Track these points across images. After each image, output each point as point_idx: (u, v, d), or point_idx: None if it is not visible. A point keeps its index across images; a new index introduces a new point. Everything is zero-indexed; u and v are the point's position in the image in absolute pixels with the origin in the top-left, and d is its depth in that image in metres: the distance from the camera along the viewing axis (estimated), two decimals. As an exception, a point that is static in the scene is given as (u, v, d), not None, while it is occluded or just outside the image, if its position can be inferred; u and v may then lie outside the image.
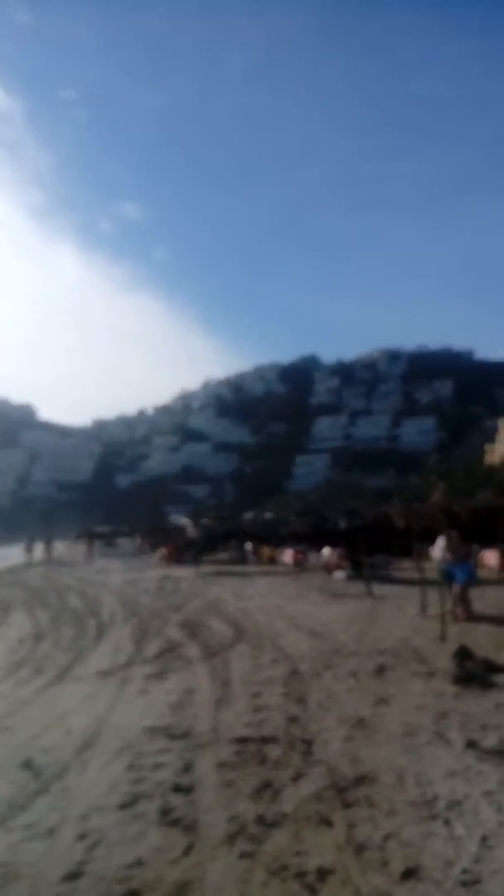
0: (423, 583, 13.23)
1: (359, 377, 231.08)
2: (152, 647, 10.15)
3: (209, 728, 5.94)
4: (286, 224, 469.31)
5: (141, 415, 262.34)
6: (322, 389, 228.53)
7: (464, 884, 3.26)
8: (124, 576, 26.22)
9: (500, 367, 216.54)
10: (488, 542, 22.78)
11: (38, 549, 38.13)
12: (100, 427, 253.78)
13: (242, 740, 5.55)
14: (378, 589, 17.59)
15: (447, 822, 3.91)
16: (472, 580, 12.64)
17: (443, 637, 9.80)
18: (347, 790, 4.42)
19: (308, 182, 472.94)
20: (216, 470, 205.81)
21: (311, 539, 33.07)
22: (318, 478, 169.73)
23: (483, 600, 14.17)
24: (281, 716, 6.23)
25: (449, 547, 12.43)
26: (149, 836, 3.93)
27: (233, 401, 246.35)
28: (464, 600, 11.98)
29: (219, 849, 3.73)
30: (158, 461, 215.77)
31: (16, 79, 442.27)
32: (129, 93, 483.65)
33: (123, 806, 4.35)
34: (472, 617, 11.81)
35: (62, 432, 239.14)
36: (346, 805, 4.19)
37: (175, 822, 4.07)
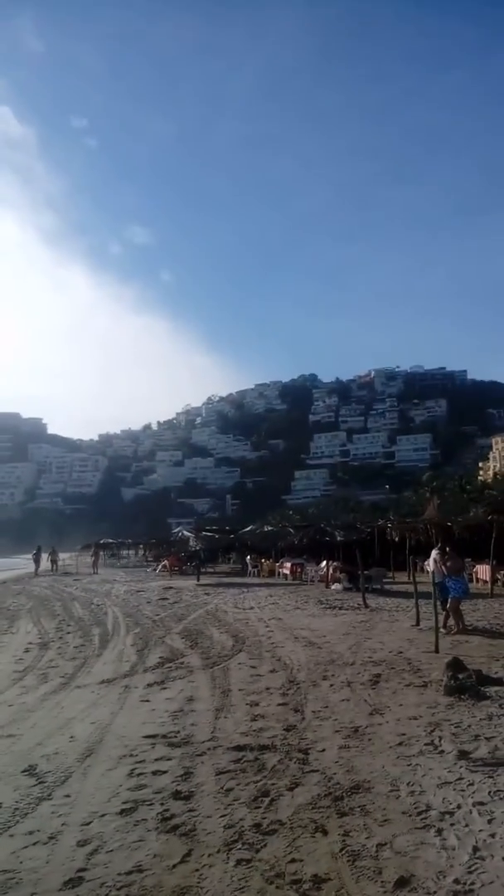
0: (418, 595, 13.35)
1: (356, 396, 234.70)
2: (154, 656, 10.26)
3: (208, 736, 6.05)
4: (287, 247, 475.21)
5: (146, 430, 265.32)
6: (321, 407, 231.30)
7: (456, 894, 3.33)
8: (128, 586, 26.31)
9: (493, 388, 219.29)
10: (480, 557, 22.94)
11: (45, 560, 38.24)
12: (106, 441, 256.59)
13: (241, 748, 5.66)
14: (374, 601, 17.70)
15: (440, 832, 3.99)
16: (465, 594, 12.76)
17: (436, 649, 9.91)
18: (342, 799, 4.51)
19: (308, 206, 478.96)
20: (218, 484, 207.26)
21: (309, 552, 33.21)
22: (316, 492, 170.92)
23: (476, 613, 14.30)
24: (278, 725, 6.34)
25: (443, 561, 12.55)
26: (148, 842, 4.02)
27: (235, 417, 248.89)
28: (457, 613, 12.09)
29: (216, 856, 3.81)
30: (162, 475, 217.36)
31: (29, 107, 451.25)
32: (137, 121, 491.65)
33: (124, 812, 4.45)
34: (465, 629, 11.94)
35: (70, 446, 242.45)
36: (341, 813, 4.29)
37: (174, 829, 4.16)
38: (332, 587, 23.34)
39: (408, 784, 4.75)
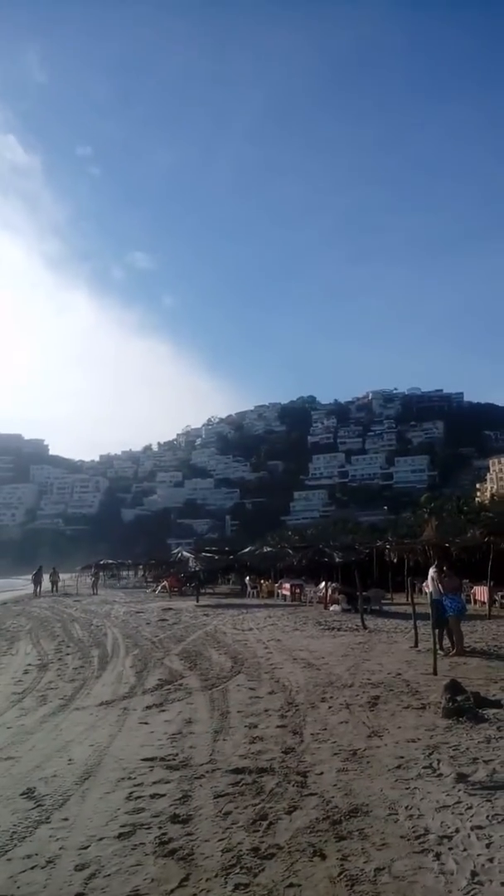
0: (416, 617, 13.35)
1: (354, 417, 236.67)
2: (153, 678, 10.24)
3: (207, 759, 6.04)
4: (287, 273, 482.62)
5: (146, 451, 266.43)
6: (319, 429, 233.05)
7: (454, 918, 3.35)
8: (127, 607, 26.24)
9: (490, 410, 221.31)
10: (478, 579, 22.93)
11: (46, 581, 38.20)
12: (107, 462, 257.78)
13: (239, 771, 5.65)
14: (372, 622, 17.67)
15: (438, 857, 3.99)
16: (462, 612, 12.77)
17: (434, 671, 9.90)
18: (341, 822, 4.51)
19: (308, 233, 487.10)
20: (217, 505, 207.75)
21: (308, 573, 33.17)
22: (315, 513, 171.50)
23: (474, 635, 14.28)
24: (277, 747, 6.33)
25: (440, 579, 12.57)
26: (146, 866, 4.01)
27: (234, 438, 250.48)
28: (455, 634, 12.08)
29: (214, 880, 3.81)
30: (162, 496, 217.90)
31: (35, 136, 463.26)
32: (141, 149, 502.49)
33: (122, 836, 4.44)
34: (464, 651, 11.92)
35: (71, 467, 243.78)
36: (340, 837, 4.28)
37: (172, 853, 4.16)
38: (331, 608, 23.29)
39: (406, 808, 4.75)
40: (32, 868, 4.06)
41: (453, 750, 6.05)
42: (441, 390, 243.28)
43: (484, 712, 7.28)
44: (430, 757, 5.88)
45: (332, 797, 4.98)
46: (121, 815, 4.82)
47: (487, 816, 4.53)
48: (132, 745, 6.56)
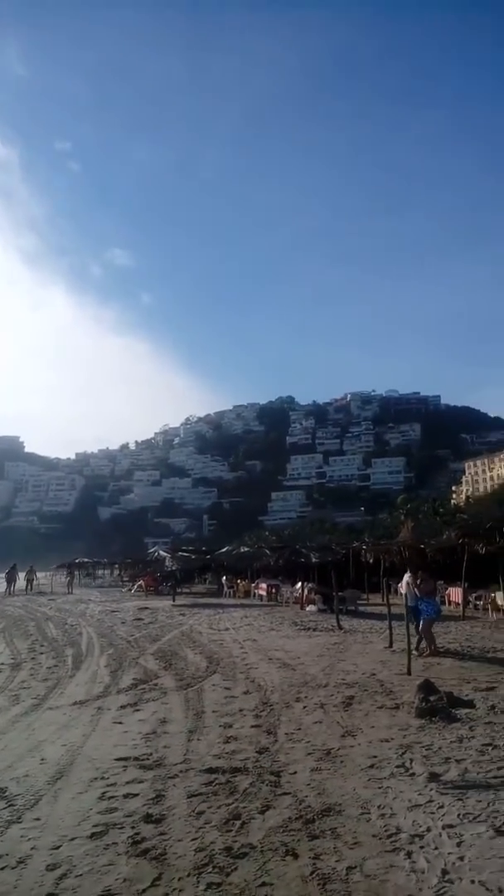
0: (391, 617, 13.44)
1: (333, 419, 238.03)
2: (128, 678, 10.20)
3: (181, 758, 6.03)
4: (266, 274, 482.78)
5: (124, 449, 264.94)
6: (298, 429, 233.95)
7: (424, 916, 3.37)
8: (103, 606, 26.09)
9: (466, 413, 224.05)
10: (453, 580, 23.15)
11: (20, 579, 37.83)
12: (83, 461, 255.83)
13: (213, 771, 5.65)
14: (347, 623, 17.76)
15: (409, 855, 4.02)
16: (437, 616, 12.88)
17: (409, 671, 9.98)
18: (313, 822, 4.53)
19: (289, 234, 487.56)
20: (195, 504, 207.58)
21: (284, 573, 33.23)
22: (292, 513, 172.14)
23: (447, 636, 14.42)
24: (251, 747, 6.34)
25: (415, 584, 12.67)
26: (118, 866, 4.00)
27: (212, 438, 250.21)
28: (429, 635, 12.19)
29: (186, 879, 3.80)
30: (139, 495, 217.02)
31: (12, 129, 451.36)
32: (121, 147, 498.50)
33: (94, 836, 4.42)
34: (437, 652, 12.02)
35: (47, 465, 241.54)
36: (312, 836, 4.30)
37: (145, 853, 4.14)
38: (307, 608, 23.36)
39: (378, 807, 4.78)
40: (3, 868, 4.02)
41: (426, 749, 6.11)
42: (418, 393, 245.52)
43: (456, 712, 7.35)
44: (403, 756, 5.92)
45: (306, 796, 5.00)
46: (93, 814, 4.79)
47: (459, 815, 4.57)
48: (106, 745, 6.52)
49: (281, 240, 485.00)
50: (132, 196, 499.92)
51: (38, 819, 4.72)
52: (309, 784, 5.28)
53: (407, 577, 13.20)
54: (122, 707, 8.19)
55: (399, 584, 14.97)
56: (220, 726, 7.17)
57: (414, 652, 11.25)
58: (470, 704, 7.77)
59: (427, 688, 7.93)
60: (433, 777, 5.31)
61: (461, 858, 3.95)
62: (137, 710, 8.01)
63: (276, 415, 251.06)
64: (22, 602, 29.33)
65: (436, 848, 4.11)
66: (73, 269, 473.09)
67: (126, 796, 5.13)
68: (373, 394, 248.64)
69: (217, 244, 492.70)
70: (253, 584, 32.56)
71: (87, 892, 3.72)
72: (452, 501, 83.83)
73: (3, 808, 4.93)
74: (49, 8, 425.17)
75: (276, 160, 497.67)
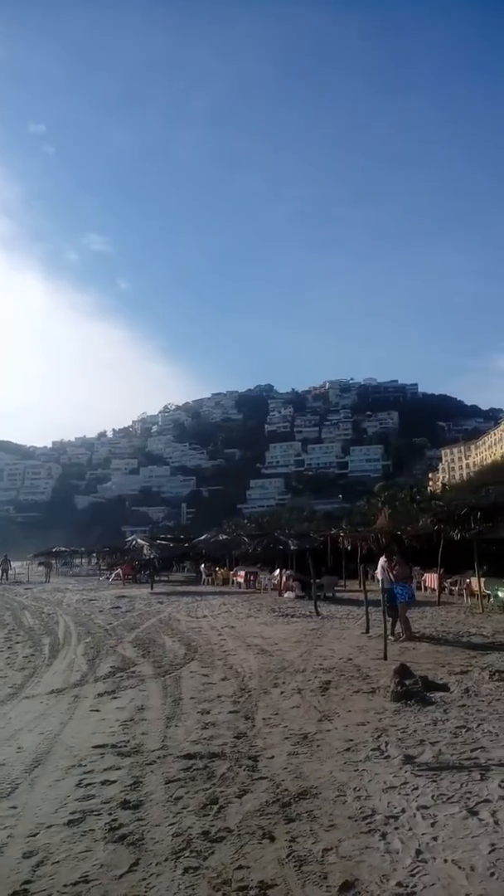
0: (368, 603, 13.57)
1: (311, 407, 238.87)
2: (105, 666, 10.19)
3: (159, 745, 6.04)
4: (246, 261, 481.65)
5: (101, 437, 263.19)
6: (276, 417, 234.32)
7: (398, 896, 3.40)
8: (80, 595, 26.02)
9: (443, 401, 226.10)
10: (429, 566, 23.40)
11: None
12: (60, 449, 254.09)
13: (191, 757, 5.67)
14: (325, 609, 17.90)
15: (384, 836, 4.07)
16: (412, 599, 13.03)
17: (385, 656, 10.09)
18: (290, 805, 4.57)
19: (269, 221, 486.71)
20: (174, 492, 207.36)
21: (263, 560, 33.36)
22: (271, 501, 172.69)
23: (423, 621, 14.61)
24: (229, 732, 6.37)
25: (390, 567, 12.79)
26: (96, 852, 4.00)
27: (191, 426, 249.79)
28: (404, 620, 12.32)
29: (164, 864, 3.81)
30: (117, 483, 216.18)
31: None
32: (98, 130, 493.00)
33: (71, 823, 4.41)
34: (413, 637, 12.17)
35: (23, 453, 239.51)
36: (289, 819, 4.33)
37: (122, 839, 4.15)
38: (285, 595, 23.49)
39: (354, 789, 4.83)
40: (-21, 857, 4.00)
41: (401, 732, 6.18)
42: (396, 381, 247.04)
43: (431, 695, 7.45)
44: (379, 739, 5.99)
45: (283, 780, 5.04)
46: (70, 802, 4.78)
47: (433, 796, 4.64)
48: (83, 733, 6.52)
49: (260, 227, 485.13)
50: (109, 181, 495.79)
51: (14, 807, 4.70)
52: (286, 768, 5.32)
53: (382, 561, 13.31)
54: (100, 695, 8.18)
55: (376, 571, 15.11)
56: (197, 712, 7.19)
57: (390, 637, 11.38)
58: (444, 688, 7.88)
59: (403, 672, 8.03)
60: (408, 759, 5.38)
61: (435, 838, 4.01)
62: (115, 698, 8.01)
63: (255, 403, 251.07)
64: (-2, 591, 29.14)
65: (410, 829, 4.16)
66: (48, 254, 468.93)
67: (103, 783, 5.13)
68: (351, 382, 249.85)
69: (195, 231, 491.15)
70: (231, 572, 32.66)
71: (64, 878, 3.71)
72: (429, 489, 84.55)
73: (-21, 797, 4.90)
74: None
75: (254, 147, 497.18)
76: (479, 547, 20.18)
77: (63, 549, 62.42)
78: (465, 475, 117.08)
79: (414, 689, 7.51)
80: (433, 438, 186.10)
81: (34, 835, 4.26)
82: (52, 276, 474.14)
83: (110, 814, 4.55)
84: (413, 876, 3.58)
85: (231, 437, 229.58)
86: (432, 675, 8.44)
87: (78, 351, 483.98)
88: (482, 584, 18.77)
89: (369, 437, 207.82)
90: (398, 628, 12.34)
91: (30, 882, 3.69)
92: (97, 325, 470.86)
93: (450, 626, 14.03)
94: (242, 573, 30.58)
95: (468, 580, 20.75)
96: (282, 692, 8.07)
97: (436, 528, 20.84)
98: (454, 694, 7.66)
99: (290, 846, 3.96)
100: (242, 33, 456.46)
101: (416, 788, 4.80)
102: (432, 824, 4.21)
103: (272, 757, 5.61)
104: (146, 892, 3.54)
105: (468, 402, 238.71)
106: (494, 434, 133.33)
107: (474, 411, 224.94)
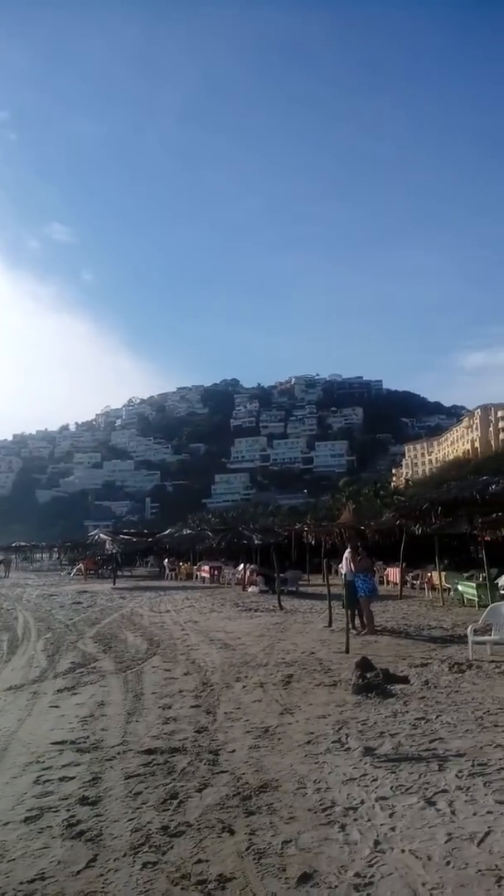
0: (331, 597, 13.67)
1: (277, 402, 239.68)
2: (65, 662, 10.08)
3: (119, 740, 5.99)
4: (214, 254, 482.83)
5: (63, 431, 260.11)
6: (242, 412, 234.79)
7: (356, 887, 3.39)
8: (41, 590, 25.74)
9: (406, 398, 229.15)
10: (391, 561, 23.69)
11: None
12: (21, 442, 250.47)
13: (151, 752, 5.63)
14: (289, 603, 17.97)
15: (343, 828, 4.08)
16: (374, 593, 13.16)
17: (347, 649, 10.17)
18: (250, 798, 4.56)
19: (237, 218, 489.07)
20: (138, 487, 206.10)
21: (227, 555, 33.38)
22: (236, 496, 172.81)
23: (385, 614, 14.77)
24: (190, 727, 6.35)
25: (353, 559, 12.90)
26: (53, 849, 3.95)
27: (156, 420, 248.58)
28: (366, 614, 12.45)
29: (122, 860, 3.78)
30: (80, 477, 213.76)
31: None
32: (63, 119, 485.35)
33: (28, 820, 4.35)
34: (375, 630, 12.29)
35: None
36: (249, 813, 4.33)
37: (80, 835, 4.10)
38: (249, 590, 23.53)
39: (314, 781, 4.85)
40: None
41: (362, 725, 6.23)
42: (361, 377, 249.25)
43: (392, 688, 7.53)
44: (340, 732, 6.03)
45: (243, 774, 5.04)
46: (28, 798, 4.72)
47: (391, 787, 4.68)
48: (42, 729, 6.43)
49: (226, 223, 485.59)
50: (74, 171, 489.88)
51: (-31, 805, 4.62)
52: (247, 762, 5.32)
53: (347, 553, 13.42)
54: (59, 691, 8.09)
55: (339, 565, 15.25)
56: (159, 708, 7.16)
57: (352, 630, 11.47)
58: (405, 680, 7.97)
59: (364, 665, 8.10)
60: (368, 751, 5.43)
61: (393, 829, 4.04)
62: (75, 694, 7.93)
63: (221, 397, 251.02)
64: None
65: (369, 820, 4.19)
66: (8, 242, 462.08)
67: (62, 780, 5.07)
68: (317, 378, 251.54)
69: (162, 226, 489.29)
70: (195, 567, 32.60)
71: (20, 875, 3.65)
72: (392, 484, 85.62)
73: None
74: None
75: (221, 144, 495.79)
76: (439, 541, 20.50)
77: (23, 543, 61.65)
78: (427, 471, 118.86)
79: (375, 682, 7.58)
80: (397, 434, 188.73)
81: (-10, 833, 4.19)
82: (11, 265, 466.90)
83: (68, 810, 4.49)
84: (371, 866, 3.59)
85: (196, 431, 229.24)
86: (393, 668, 8.53)
87: (40, 343, 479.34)
88: (443, 578, 19.07)
89: (334, 432, 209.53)
90: (359, 622, 12.45)
91: (-15, 880, 3.63)
92: (60, 317, 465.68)
93: (411, 620, 14.21)
94: (206, 568, 30.57)
95: (429, 574, 21.05)
96: (244, 686, 8.07)
97: (398, 522, 21.07)
98: (414, 686, 7.75)
99: (250, 839, 3.96)
100: (212, 31, 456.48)
101: (376, 780, 4.84)
102: (391, 815, 4.24)
103: (233, 751, 5.61)
104: (103, 888, 3.50)
105: (431, 400, 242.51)
106: (456, 431, 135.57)
107: (437, 408, 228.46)
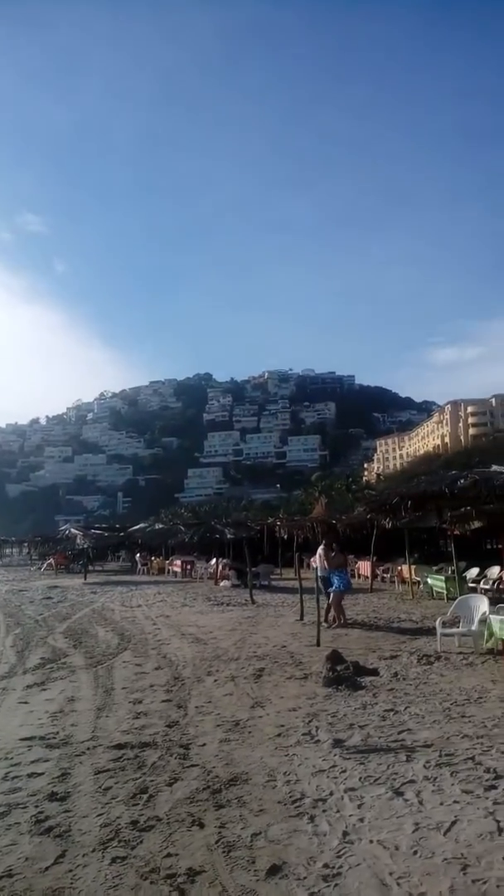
0: (302, 591, 13.73)
1: (250, 396, 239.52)
2: (35, 657, 10.00)
3: (89, 736, 5.96)
4: (186, 246, 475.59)
5: (33, 424, 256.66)
6: (215, 406, 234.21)
7: (325, 878, 3.42)
8: (10, 585, 25.45)
9: (378, 393, 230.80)
10: (362, 554, 23.87)
11: None
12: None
13: (121, 747, 5.61)
14: (261, 597, 18.00)
15: (312, 819, 4.12)
16: (347, 588, 13.25)
17: (318, 642, 10.23)
18: (220, 791, 4.58)
19: (210, 207, 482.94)
20: (110, 481, 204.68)
21: (199, 549, 33.34)
22: (209, 490, 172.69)
23: (356, 607, 14.89)
24: (161, 721, 6.34)
25: (326, 556, 12.97)
26: (21, 845, 3.92)
27: (128, 414, 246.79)
28: (338, 607, 12.53)
29: (91, 855, 3.77)
30: (51, 471, 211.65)
31: None
32: (33, 105, 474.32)
33: (-5, 817, 4.32)
34: (346, 623, 12.39)
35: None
36: (219, 806, 4.35)
37: (48, 831, 4.07)
38: (221, 584, 23.53)
39: (284, 774, 4.88)
40: None
41: (331, 717, 6.28)
42: (334, 372, 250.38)
43: (361, 680, 7.60)
44: (310, 724, 6.07)
45: (214, 767, 5.05)
46: (-5, 796, 4.67)
47: (360, 779, 4.73)
48: (10, 726, 6.37)
49: (202, 211, 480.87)
50: (44, 157, 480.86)
51: None
52: (217, 755, 5.33)
53: (320, 549, 13.48)
54: (29, 687, 8.02)
55: (312, 559, 15.31)
56: (129, 702, 7.14)
57: (323, 624, 11.55)
58: (374, 672, 8.05)
59: (335, 658, 8.16)
60: (337, 743, 5.47)
61: (361, 820, 4.08)
62: (44, 690, 7.87)
63: (194, 391, 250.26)
64: None
65: (338, 811, 4.22)
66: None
67: (30, 776, 5.03)
68: (290, 372, 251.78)
69: (134, 213, 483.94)
70: (167, 561, 32.50)
71: (-13, 873, 3.62)
72: (364, 478, 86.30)
73: None
74: None
75: (195, 127, 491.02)
76: (409, 535, 20.69)
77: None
78: (398, 465, 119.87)
79: (345, 675, 7.65)
80: (369, 429, 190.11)
81: (-44, 831, 4.14)
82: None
83: (37, 806, 4.46)
84: (339, 857, 3.62)
85: (169, 425, 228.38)
86: (363, 661, 8.62)
87: (10, 334, 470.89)
88: (412, 572, 19.25)
89: (307, 427, 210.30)
90: (331, 613, 12.54)
91: (-49, 879, 3.58)
92: (31, 308, 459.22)
93: (381, 613, 14.34)
94: (178, 562, 30.48)
95: (399, 567, 21.24)
96: (215, 680, 8.08)
97: (368, 516, 21.23)
98: (384, 678, 7.83)
99: (220, 832, 3.97)
100: (186, 13, 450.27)
101: (345, 771, 4.88)
102: (359, 806, 4.28)
103: (204, 745, 5.61)
104: (72, 883, 3.49)
105: (403, 395, 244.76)
106: (427, 426, 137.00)
107: (408, 403, 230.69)
